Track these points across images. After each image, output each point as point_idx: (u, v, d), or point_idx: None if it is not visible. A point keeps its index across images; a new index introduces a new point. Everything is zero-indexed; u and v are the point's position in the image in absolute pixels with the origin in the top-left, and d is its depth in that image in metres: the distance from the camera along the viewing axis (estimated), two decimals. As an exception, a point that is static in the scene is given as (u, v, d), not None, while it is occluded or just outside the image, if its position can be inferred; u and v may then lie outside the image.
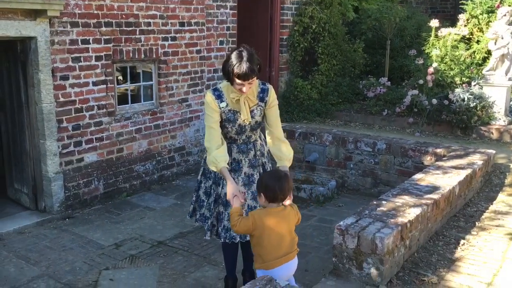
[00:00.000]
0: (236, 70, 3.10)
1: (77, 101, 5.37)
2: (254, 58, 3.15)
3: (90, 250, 4.56)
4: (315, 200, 5.77)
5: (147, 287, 3.92)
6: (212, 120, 3.33)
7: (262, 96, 3.36)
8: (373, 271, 3.16)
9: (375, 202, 3.79)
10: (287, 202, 2.93)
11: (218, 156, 3.20)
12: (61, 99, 5.21)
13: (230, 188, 3.07)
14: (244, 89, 3.17)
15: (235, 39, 7.40)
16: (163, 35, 6.21)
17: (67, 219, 5.26)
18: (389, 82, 8.64)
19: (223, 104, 3.33)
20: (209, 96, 3.34)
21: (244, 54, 3.13)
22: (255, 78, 3.19)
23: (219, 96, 3.33)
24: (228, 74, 3.19)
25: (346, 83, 8.98)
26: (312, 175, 6.30)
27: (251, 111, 3.35)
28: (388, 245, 3.15)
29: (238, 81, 3.14)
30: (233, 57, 3.15)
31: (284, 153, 3.40)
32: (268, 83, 3.44)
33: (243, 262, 3.79)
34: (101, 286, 3.93)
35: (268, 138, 3.49)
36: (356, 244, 3.21)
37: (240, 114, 3.33)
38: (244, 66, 3.09)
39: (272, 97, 3.39)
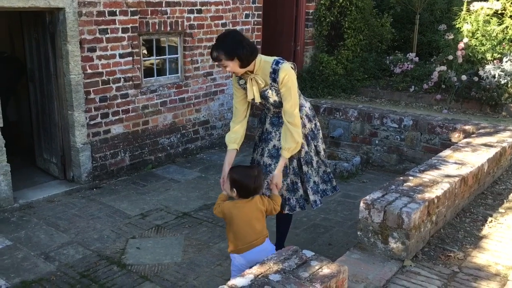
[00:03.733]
0: None
1: (104, 73, 5.41)
2: (224, 41, 3.14)
3: (117, 219, 4.66)
4: (339, 176, 5.75)
5: (173, 256, 4.00)
6: (236, 98, 3.49)
7: (274, 77, 3.26)
8: (399, 245, 3.14)
9: (401, 178, 3.75)
10: (275, 191, 3.28)
11: (228, 138, 3.49)
12: (89, 71, 5.26)
13: (223, 173, 3.35)
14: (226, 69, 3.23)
15: (260, 12, 7.31)
16: (189, 8, 6.17)
17: (94, 189, 5.37)
18: (417, 58, 8.47)
19: (242, 81, 3.40)
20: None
21: (220, 37, 3.20)
22: (222, 62, 3.15)
23: None
24: None
25: (373, 59, 8.84)
26: (336, 151, 6.27)
27: (264, 91, 3.31)
28: (415, 220, 3.13)
29: None
30: None
31: (286, 142, 3.30)
32: (284, 63, 3.26)
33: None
34: (129, 254, 4.03)
35: None
36: (382, 218, 3.19)
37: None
38: (211, 50, 3.19)
39: (281, 77, 3.23)
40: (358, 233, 3.34)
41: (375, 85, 8.56)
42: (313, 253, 2.57)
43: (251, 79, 3.27)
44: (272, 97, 3.33)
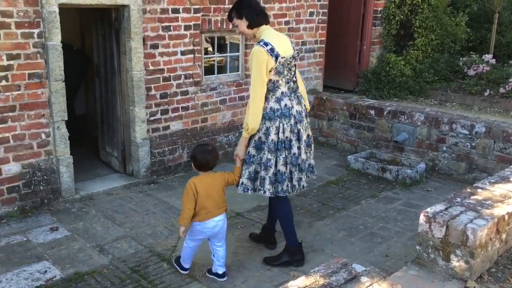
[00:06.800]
0: None
1: (165, 70, 5.46)
2: (238, 3, 3.61)
3: (171, 216, 4.68)
4: (401, 183, 5.46)
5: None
6: None
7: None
8: (462, 264, 2.88)
9: (469, 190, 3.46)
10: (238, 163, 3.67)
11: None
12: (151, 67, 5.33)
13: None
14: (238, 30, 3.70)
15: (326, 10, 7.12)
16: (252, 5, 6.09)
17: (151, 184, 5.44)
18: (493, 60, 7.92)
19: None
20: None
21: (236, 1, 3.68)
22: (234, 22, 3.63)
23: None
24: None
25: (444, 60, 8.36)
26: (399, 156, 5.96)
27: None
28: (481, 237, 2.85)
29: None
30: None
31: (244, 121, 3.58)
32: (257, 45, 3.46)
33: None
34: (179, 252, 4.01)
35: None
36: (444, 233, 2.94)
37: None
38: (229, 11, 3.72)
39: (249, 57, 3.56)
40: (417, 247, 3.11)
41: (446, 88, 8.09)
42: (364, 268, 2.40)
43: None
44: None
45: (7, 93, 4.39)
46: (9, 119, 4.44)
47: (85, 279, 3.62)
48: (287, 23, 6.57)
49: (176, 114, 5.66)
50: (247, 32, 3.62)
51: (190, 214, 3.41)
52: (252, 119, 3.47)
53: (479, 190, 3.42)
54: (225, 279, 3.60)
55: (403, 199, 5.13)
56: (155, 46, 5.31)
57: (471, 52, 8.56)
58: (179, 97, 5.64)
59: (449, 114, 6.03)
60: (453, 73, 8.40)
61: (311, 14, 6.90)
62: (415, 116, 5.88)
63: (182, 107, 5.69)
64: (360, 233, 4.37)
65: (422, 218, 3.04)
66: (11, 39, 4.32)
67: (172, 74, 5.52)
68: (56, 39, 4.54)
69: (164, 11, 5.31)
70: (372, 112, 6.28)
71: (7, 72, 4.35)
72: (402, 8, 8.13)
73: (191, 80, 5.71)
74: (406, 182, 5.45)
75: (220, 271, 3.60)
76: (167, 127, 5.61)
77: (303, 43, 6.91)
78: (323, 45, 7.25)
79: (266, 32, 3.55)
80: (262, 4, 6.19)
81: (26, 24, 4.37)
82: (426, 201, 5.02)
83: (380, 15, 8.23)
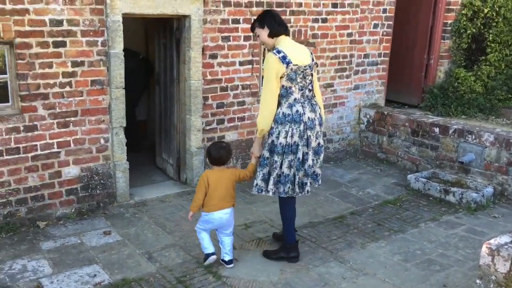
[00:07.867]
0: None
1: (223, 80, 5.47)
2: (261, 15, 3.85)
3: (220, 227, 4.63)
4: (466, 207, 5.11)
5: (269, 274, 3.84)
6: None
7: None
8: (528, 305, 2.61)
9: (540, 221, 3.15)
10: (253, 160, 3.94)
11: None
12: (209, 77, 5.35)
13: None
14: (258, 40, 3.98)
15: (391, 22, 6.87)
16: (314, 17, 6.00)
17: (204, 194, 5.44)
18: None
19: None
20: None
21: (260, 13, 3.96)
22: (256, 32, 3.86)
23: None
24: None
25: (520, 77, 7.80)
26: (464, 178, 5.59)
27: None
28: (552, 277, 2.57)
29: None
30: None
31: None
32: (271, 53, 3.68)
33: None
34: (220, 256, 3.95)
35: None
36: (509, 269, 2.68)
37: None
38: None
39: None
40: (477, 281, 2.86)
41: (521, 107, 7.54)
42: None
43: (268, 51, 3.88)
44: None
45: (70, 99, 4.55)
46: (71, 124, 4.61)
47: (132, 286, 3.64)
48: (349, 35, 6.40)
49: (232, 124, 5.64)
50: (267, 41, 3.83)
51: (200, 202, 3.76)
52: (262, 122, 3.75)
53: (552, 223, 3.11)
54: (231, 265, 3.89)
55: (466, 224, 4.79)
56: (214, 56, 5.34)
57: (551, 69, 7.94)
58: (235, 108, 5.62)
59: (522, 135, 5.59)
60: (529, 91, 7.82)
61: (375, 26, 6.69)
62: (484, 136, 5.51)
63: (238, 118, 5.67)
64: (417, 259, 4.11)
65: (484, 250, 2.80)
66: (77, 47, 4.48)
67: (229, 84, 5.52)
68: (118, 47, 4.66)
69: (224, 21, 5.32)
70: (437, 130, 5.96)
71: (71, 79, 4.52)
72: (475, 21, 7.70)
73: (248, 90, 5.68)
74: (470, 207, 5.09)
75: (227, 258, 3.90)
76: (222, 137, 5.60)
77: (366, 56, 6.70)
78: (387, 58, 7.01)
79: (283, 42, 3.77)
80: (324, 16, 6.09)
81: (91, 33, 4.53)
82: (491, 229, 4.67)
83: (450, 28, 7.83)
